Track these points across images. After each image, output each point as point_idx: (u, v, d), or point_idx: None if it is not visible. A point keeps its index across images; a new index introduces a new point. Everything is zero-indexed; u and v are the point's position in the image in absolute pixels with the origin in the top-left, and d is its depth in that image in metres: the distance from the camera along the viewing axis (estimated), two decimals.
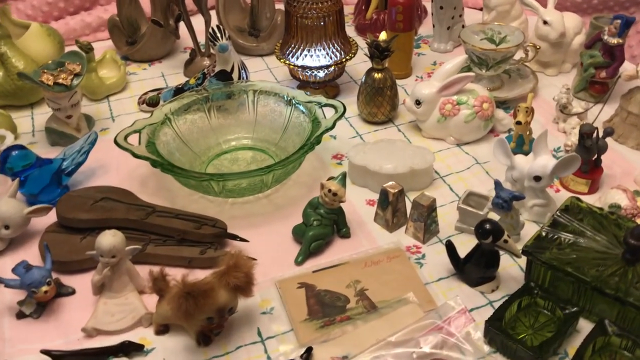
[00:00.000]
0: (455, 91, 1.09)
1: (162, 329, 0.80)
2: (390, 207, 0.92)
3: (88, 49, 1.20)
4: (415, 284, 0.85)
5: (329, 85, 1.25)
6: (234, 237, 0.92)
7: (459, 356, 0.73)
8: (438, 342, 0.74)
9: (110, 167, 1.09)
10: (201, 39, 1.36)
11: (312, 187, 1.03)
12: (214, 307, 0.74)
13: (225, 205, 1.01)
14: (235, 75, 1.16)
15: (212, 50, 1.33)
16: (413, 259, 0.89)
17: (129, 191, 1.00)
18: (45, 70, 1.07)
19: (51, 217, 0.95)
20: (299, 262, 0.89)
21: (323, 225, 0.90)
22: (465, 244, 0.88)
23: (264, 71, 1.37)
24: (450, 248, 0.85)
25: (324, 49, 1.18)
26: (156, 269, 0.78)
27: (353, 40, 1.24)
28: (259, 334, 0.80)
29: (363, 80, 1.16)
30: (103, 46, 1.43)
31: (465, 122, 1.09)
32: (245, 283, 0.75)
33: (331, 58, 1.18)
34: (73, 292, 0.87)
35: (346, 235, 0.94)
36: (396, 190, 0.91)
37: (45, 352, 0.76)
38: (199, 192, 0.99)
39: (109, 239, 0.80)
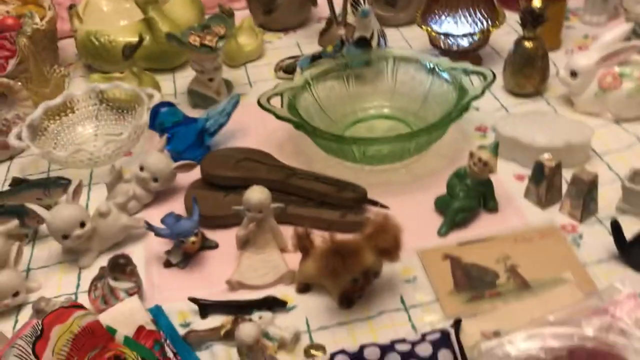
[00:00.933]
0: (618, 62, 0.99)
1: (304, 288, 0.80)
2: (544, 182, 0.86)
3: (230, 14, 1.21)
4: (573, 264, 0.78)
5: (471, 56, 1.19)
6: (374, 203, 0.89)
7: (627, 343, 0.66)
8: (604, 326, 0.67)
9: (249, 130, 1.10)
10: (338, 7, 1.34)
11: (454, 159, 0.98)
12: (360, 268, 0.72)
13: (362, 172, 0.98)
14: (374, 43, 1.13)
15: (349, 20, 1.31)
16: (569, 239, 0.83)
17: (268, 153, 1.00)
18: (193, 32, 1.10)
19: (192, 176, 0.97)
20: (442, 233, 0.85)
21: (470, 197, 0.86)
22: (628, 228, 0.80)
23: (401, 41, 1.33)
24: (616, 228, 0.77)
25: (469, 16, 1.12)
26: (301, 228, 0.78)
27: (500, 8, 1.17)
28: (402, 301, 0.77)
29: (512, 49, 1.08)
30: (240, 15, 1.45)
31: (627, 96, 0.99)
32: (393, 246, 0.73)
33: (477, 25, 1.12)
34: (216, 246, 0.88)
35: (494, 209, 0.88)
36: (553, 164, 0.85)
37: (193, 300, 0.78)
38: (337, 157, 0.98)
39: (258, 194, 0.80)
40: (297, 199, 0.91)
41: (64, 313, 0.71)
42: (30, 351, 0.66)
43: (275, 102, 0.99)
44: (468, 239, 0.84)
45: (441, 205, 0.88)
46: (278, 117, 0.95)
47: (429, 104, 1.04)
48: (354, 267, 0.71)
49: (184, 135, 1.02)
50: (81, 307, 0.73)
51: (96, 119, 1.12)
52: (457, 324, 0.70)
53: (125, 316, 0.74)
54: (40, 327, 0.69)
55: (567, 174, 0.88)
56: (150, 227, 0.85)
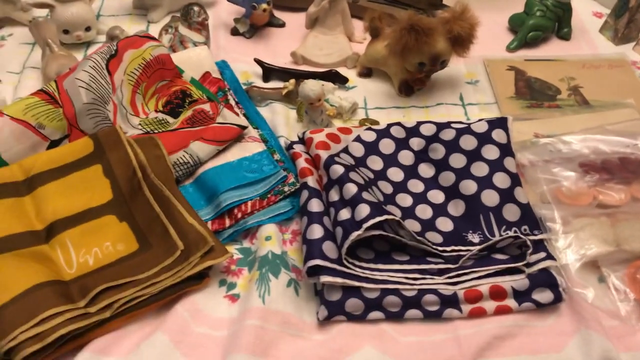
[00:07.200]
0: None
1: (366, 72, 0.81)
2: (626, 15, 0.83)
3: None
4: (637, 94, 0.78)
5: None
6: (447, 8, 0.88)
7: None
8: None
9: None
10: None
11: None
12: (430, 50, 0.72)
13: None
14: None
15: None
16: (638, 74, 0.82)
17: None
18: None
19: None
20: (512, 47, 0.85)
21: (546, 18, 0.84)
22: None
23: None
24: None
25: None
26: (375, 10, 0.77)
27: None
28: (461, 98, 0.78)
29: None
30: None
31: None
32: (468, 35, 0.72)
33: None
34: (283, 24, 0.88)
35: (566, 36, 0.87)
36: None
37: (258, 61, 0.79)
38: None
39: None
40: None
41: (137, 40, 0.73)
42: (104, 66, 0.69)
43: None
44: (536, 57, 0.83)
45: (515, 21, 0.87)
46: None
47: None
48: (424, 48, 0.71)
49: None
50: (155, 39, 0.75)
51: None
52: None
53: (193, 60, 0.77)
54: (114, 48, 0.71)
55: None
56: None
